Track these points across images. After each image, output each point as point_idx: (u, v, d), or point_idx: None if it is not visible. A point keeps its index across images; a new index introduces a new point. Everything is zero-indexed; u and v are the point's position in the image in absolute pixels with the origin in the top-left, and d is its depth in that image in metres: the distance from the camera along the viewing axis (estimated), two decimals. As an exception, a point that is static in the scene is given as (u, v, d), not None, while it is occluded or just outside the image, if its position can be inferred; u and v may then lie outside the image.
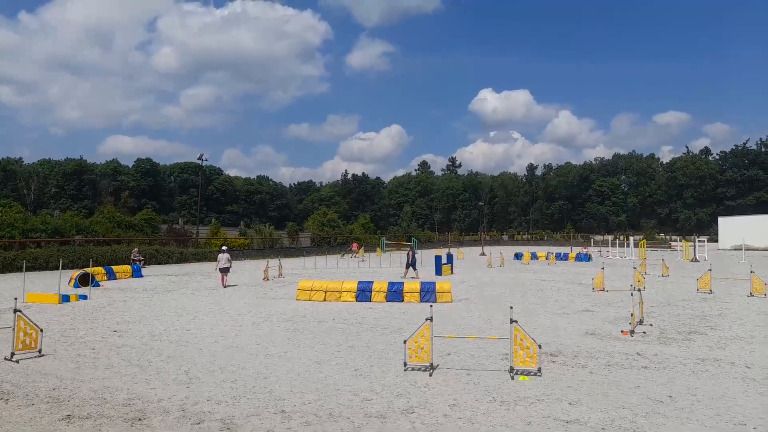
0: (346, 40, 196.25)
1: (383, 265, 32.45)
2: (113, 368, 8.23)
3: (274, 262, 26.53)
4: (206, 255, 38.19)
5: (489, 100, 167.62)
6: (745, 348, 9.65)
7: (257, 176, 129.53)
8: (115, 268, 24.24)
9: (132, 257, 29.55)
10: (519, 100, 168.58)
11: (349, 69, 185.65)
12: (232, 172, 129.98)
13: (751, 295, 17.01)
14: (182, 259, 36.14)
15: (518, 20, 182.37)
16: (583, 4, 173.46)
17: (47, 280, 21.24)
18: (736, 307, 14.69)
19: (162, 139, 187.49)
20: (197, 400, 6.64)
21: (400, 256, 41.04)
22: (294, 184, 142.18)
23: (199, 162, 50.25)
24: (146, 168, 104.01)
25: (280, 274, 24.89)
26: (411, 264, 24.29)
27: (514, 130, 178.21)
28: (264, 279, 23.02)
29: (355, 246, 47.06)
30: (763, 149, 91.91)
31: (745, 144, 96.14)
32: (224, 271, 20.50)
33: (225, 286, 20.12)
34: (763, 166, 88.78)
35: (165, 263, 34.25)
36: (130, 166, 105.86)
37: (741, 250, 45.02)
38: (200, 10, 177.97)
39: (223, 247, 23.39)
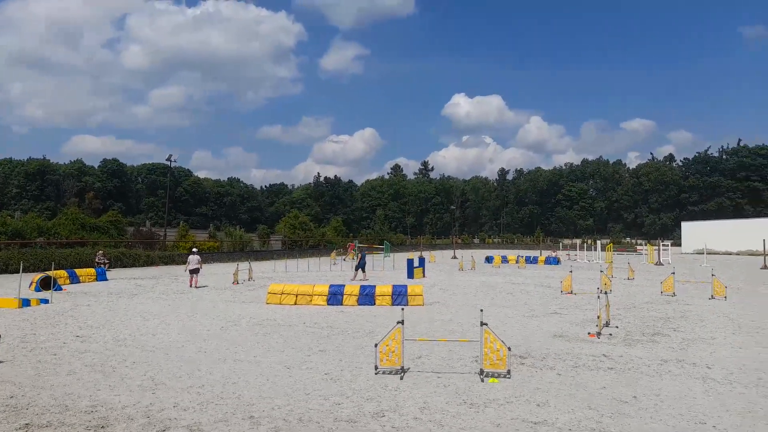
0: (321, 42, 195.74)
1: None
2: (75, 374, 7.98)
3: (244, 266, 26.19)
4: (174, 258, 37.46)
5: (462, 105, 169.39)
6: (706, 349, 9.95)
7: (228, 178, 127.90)
8: (78, 271, 23.57)
9: (96, 260, 28.81)
10: (491, 105, 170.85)
11: (323, 71, 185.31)
12: (201, 174, 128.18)
13: (712, 297, 17.56)
14: (149, 262, 35.36)
15: (491, 27, 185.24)
16: (553, 15, 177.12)
17: (7, 283, 20.51)
18: (697, 310, 15.13)
19: (130, 139, 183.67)
20: (163, 407, 6.49)
21: (373, 259, 41.03)
22: (265, 186, 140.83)
23: (168, 163, 49.26)
24: (113, 169, 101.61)
25: (251, 278, 24.59)
26: (360, 266, 24.97)
27: (486, 135, 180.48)
28: (234, 282, 22.69)
29: (352, 247, 47.20)
30: (723, 157, 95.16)
31: (706, 151, 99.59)
32: (194, 272, 21.25)
33: (196, 287, 20.66)
34: (724, 173, 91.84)
35: (131, 266, 33.47)
36: (96, 166, 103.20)
37: (703, 254, 46.50)
38: (172, 8, 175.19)
39: (194, 249, 24.00)
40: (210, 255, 41.95)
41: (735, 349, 9.91)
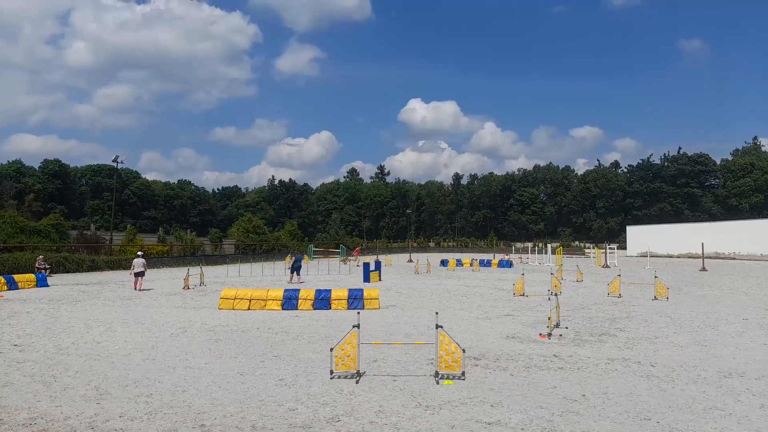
0: (276, 44, 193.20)
1: (310, 273, 32.05)
2: (13, 385, 7.54)
3: (195, 270, 25.51)
4: (121, 263, 36.08)
5: (418, 110, 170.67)
6: (650, 348, 10.37)
7: (178, 180, 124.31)
8: (16, 277, 22.42)
9: (36, 265, 27.43)
10: (447, 111, 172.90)
11: (279, 73, 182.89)
12: (150, 176, 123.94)
13: (655, 298, 18.34)
14: (94, 268, 33.95)
15: (446, 35, 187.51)
16: (506, 26, 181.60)
17: (-65, 290, 19.21)
18: (642, 310, 15.76)
19: (73, 139, 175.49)
20: (108, 417, 6.22)
21: (328, 263, 40.79)
22: (218, 189, 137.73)
23: (114, 164, 47.49)
24: (54, 170, 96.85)
25: (202, 283, 23.96)
26: (294, 269, 25.45)
27: (441, 140, 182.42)
28: (184, 288, 22.05)
29: (357, 252, 47.31)
30: (665, 164, 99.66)
31: (649, 158, 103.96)
32: (139, 275, 21.59)
33: (139, 290, 21.10)
34: (666, 179, 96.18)
35: (74, 272, 32.03)
36: (36, 167, 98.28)
37: (646, 256, 48.57)
38: (119, 5, 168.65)
39: (139, 253, 24.01)
40: (159, 260, 40.64)
41: (676, 348, 10.38)
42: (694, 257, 53.26)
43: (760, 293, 21.03)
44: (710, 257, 49.40)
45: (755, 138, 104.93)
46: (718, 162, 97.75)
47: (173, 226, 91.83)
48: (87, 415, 6.31)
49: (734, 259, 56.35)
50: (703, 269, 36.81)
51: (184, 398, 7.00)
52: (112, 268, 34.97)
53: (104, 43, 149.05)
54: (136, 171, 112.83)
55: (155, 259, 39.51)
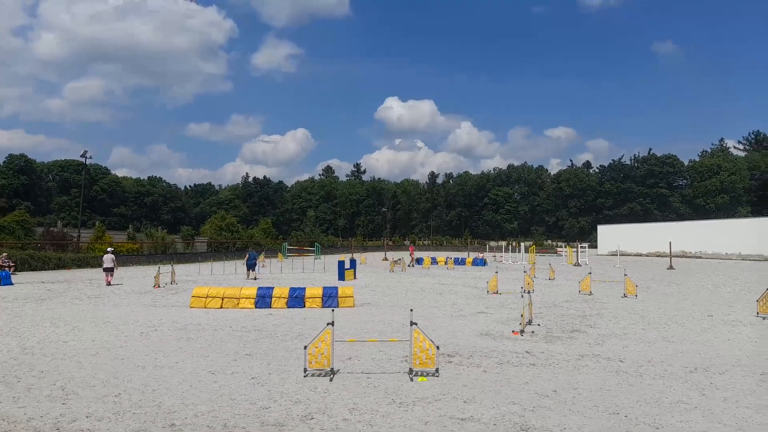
0: (252, 40, 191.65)
1: (284, 272, 31.81)
2: (-28, 387, 7.28)
3: (166, 269, 25.06)
4: (89, 260, 35.26)
5: (395, 109, 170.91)
6: (619, 344, 10.58)
7: (149, 177, 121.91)
8: (-22, 275, 21.65)
9: (0, 263, 26.57)
10: (424, 109, 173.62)
11: (255, 69, 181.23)
12: (121, 172, 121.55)
13: (625, 296, 18.74)
14: (61, 265, 33.07)
15: (424, 34, 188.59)
16: (483, 27, 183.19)
17: None
18: (612, 307, 16.08)
19: (41, 133, 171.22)
20: (75, 418, 6.05)
21: (303, 261, 40.54)
22: (191, 186, 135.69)
23: (83, 159, 46.32)
24: (20, 165, 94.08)
25: (173, 281, 23.54)
26: (249, 266, 26.11)
27: (418, 138, 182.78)
28: (155, 286, 21.64)
29: (412, 250, 46.84)
30: (635, 164, 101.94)
31: (620, 159, 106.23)
32: (108, 270, 22.33)
33: (109, 284, 21.90)
34: (635, 179, 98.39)
35: (40, 270, 31.15)
36: (2, 162, 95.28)
37: (616, 255, 49.60)
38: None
39: (109, 249, 24.74)
40: (129, 257, 39.83)
41: (645, 344, 10.61)
42: (662, 256, 54.57)
43: (725, 291, 21.68)
44: (677, 256, 50.69)
45: (722, 140, 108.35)
46: (686, 163, 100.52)
47: (144, 224, 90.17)
48: (52, 415, 6.13)
49: (700, 257, 57.96)
50: (671, 267, 37.77)
51: (153, 397, 6.86)
52: (79, 266, 34.12)
53: (75, 36, 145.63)
54: (105, 167, 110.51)
55: (125, 257, 38.70)
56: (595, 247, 70.05)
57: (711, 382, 7.78)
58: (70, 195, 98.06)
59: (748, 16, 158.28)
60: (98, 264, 34.05)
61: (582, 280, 20.59)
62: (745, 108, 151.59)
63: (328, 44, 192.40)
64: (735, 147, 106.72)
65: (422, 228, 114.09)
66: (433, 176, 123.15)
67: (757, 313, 14.21)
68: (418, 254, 52.86)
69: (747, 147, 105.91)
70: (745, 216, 76.86)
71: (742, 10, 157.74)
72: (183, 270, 31.36)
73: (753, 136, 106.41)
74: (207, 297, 15.59)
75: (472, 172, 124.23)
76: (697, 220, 73.85)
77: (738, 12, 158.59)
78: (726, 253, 57.49)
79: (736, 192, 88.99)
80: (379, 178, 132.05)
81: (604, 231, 73.95)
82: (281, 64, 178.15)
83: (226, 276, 27.91)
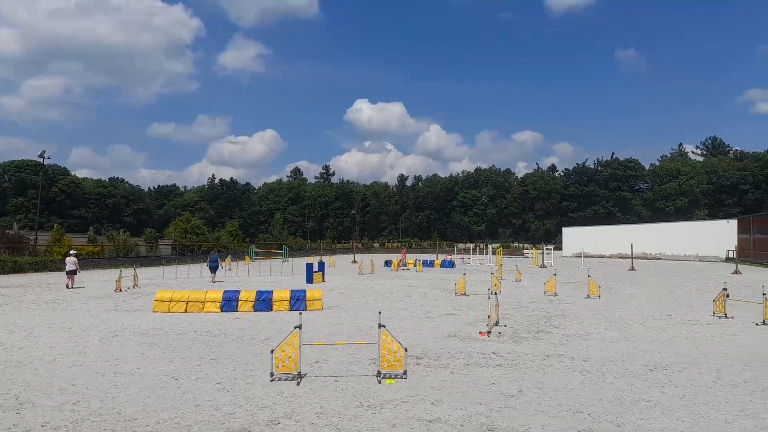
0: (220, 39, 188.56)
1: (252, 275, 31.39)
2: None
3: (128, 272, 24.41)
4: (47, 264, 34.04)
5: (365, 111, 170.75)
6: (583, 344, 10.80)
7: (109, 178, 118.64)
8: (-73, 279, 20.64)
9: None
10: (393, 112, 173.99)
11: (222, 69, 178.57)
12: (81, 173, 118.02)
13: (589, 297, 19.16)
14: (17, 269, 31.82)
15: (394, 36, 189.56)
16: (453, 31, 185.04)
17: None
18: (576, 308, 16.41)
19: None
20: (29, 428, 5.82)
21: (271, 264, 40.08)
22: (154, 187, 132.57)
23: (41, 159, 44.73)
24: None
25: (136, 285, 22.92)
26: (210, 268, 26.49)
27: (388, 141, 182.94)
28: (116, 290, 21.04)
29: (404, 253, 45.94)
30: (598, 168, 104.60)
31: (584, 163, 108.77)
32: (70, 273, 22.31)
33: (69, 288, 21.87)
34: (599, 183, 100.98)
35: (-5, 274, 29.90)
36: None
37: (581, 257, 50.70)
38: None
39: (71, 252, 24.69)
40: (89, 261, 38.63)
41: (607, 343, 10.86)
42: (624, 257, 56.08)
43: (683, 291, 22.41)
44: (638, 257, 52.19)
45: (680, 145, 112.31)
46: (647, 167, 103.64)
47: (105, 226, 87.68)
48: (5, 426, 5.87)
49: (660, 259, 59.82)
50: (632, 269, 38.83)
51: (113, 405, 6.65)
52: (36, 270, 32.91)
53: (34, 32, 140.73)
54: (65, 167, 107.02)
55: (85, 261, 37.51)
56: (560, 249, 71.56)
57: (670, 380, 8.02)
58: (27, 196, 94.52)
59: (705, 27, 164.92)
60: (56, 268, 33.05)
61: (547, 282, 20.96)
62: (703, 115, 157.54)
63: (298, 45, 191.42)
64: (693, 152, 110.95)
65: (391, 230, 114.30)
66: (402, 179, 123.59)
67: (714, 313, 14.73)
68: (387, 256, 52.92)
69: (704, 152, 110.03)
70: (703, 219, 79.71)
71: (701, 21, 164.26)
72: (146, 273, 30.60)
73: (710, 142, 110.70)
74: (171, 301, 15.23)
75: (441, 174, 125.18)
76: (657, 222, 76.19)
77: (696, 23, 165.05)
78: (684, 255, 59.51)
79: (694, 195, 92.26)
80: (349, 180, 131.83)
81: (568, 233, 75.61)
82: (249, 64, 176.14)
83: (192, 279, 27.35)
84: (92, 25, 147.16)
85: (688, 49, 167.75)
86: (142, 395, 7.07)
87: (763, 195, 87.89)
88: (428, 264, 41.97)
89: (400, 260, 40.67)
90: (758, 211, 76.06)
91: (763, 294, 13.63)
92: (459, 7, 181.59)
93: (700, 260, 56.37)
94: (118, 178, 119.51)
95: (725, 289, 14.77)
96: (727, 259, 53.94)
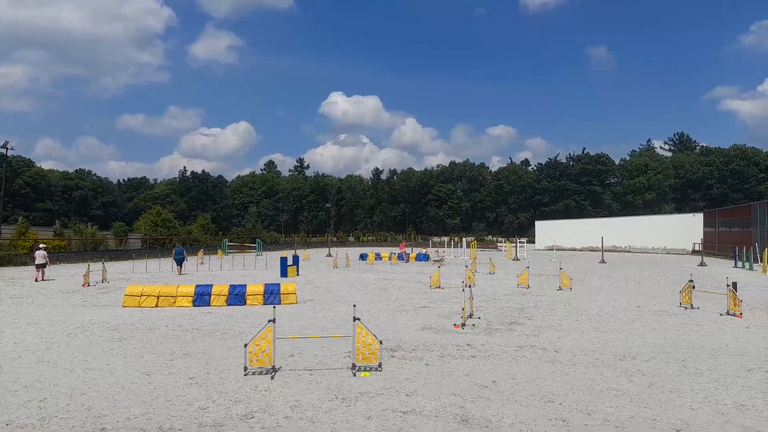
0: (191, 29, 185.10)
1: (225, 269, 31.02)
2: None
3: (96, 266, 23.85)
4: (11, 258, 33.02)
5: (339, 104, 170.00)
6: (554, 335, 10.99)
7: (76, 170, 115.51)
8: None
9: None
10: (369, 105, 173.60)
11: (194, 60, 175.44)
12: (47, 165, 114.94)
13: (560, 289, 19.49)
14: (-21, 264, 30.79)
15: (370, 30, 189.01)
16: (426, 26, 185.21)
17: None
18: (548, 300, 16.68)
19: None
20: (-9, 427, 5.64)
21: (244, 258, 39.67)
22: (124, 180, 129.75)
23: (4, 151, 43.31)
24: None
25: (104, 279, 22.42)
26: (176, 261, 26.89)
27: (363, 134, 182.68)
28: (84, 285, 20.54)
29: (403, 246, 44.95)
30: (570, 163, 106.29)
31: (556, 157, 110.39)
32: (40, 266, 22.56)
33: (38, 281, 21.96)
34: (570, 177, 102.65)
35: (-44, 269, 28.88)
36: None
37: (553, 250, 51.54)
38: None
39: (41, 245, 25.15)
40: (56, 255, 37.57)
41: (578, 334, 11.07)
42: (594, 250, 57.17)
43: (651, 283, 22.98)
44: (609, 250, 53.29)
45: (649, 140, 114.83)
46: (617, 162, 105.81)
47: (72, 219, 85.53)
48: (-34, 425, 5.69)
49: (629, 252, 61.19)
50: (603, 261, 39.64)
51: (82, 401, 6.50)
52: (0, 264, 31.90)
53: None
54: (29, 159, 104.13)
55: (52, 255, 36.46)
56: (533, 242, 72.48)
57: (638, 369, 8.22)
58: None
59: (674, 27, 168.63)
60: (21, 262, 32.13)
61: (520, 274, 21.24)
62: (671, 111, 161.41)
63: (272, 36, 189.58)
64: (661, 147, 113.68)
65: (366, 224, 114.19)
66: (377, 172, 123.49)
67: (680, 304, 15.16)
68: (362, 250, 52.87)
69: (672, 148, 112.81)
70: (670, 213, 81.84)
71: (670, 21, 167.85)
72: (115, 268, 29.96)
73: (677, 138, 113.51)
74: (141, 295, 14.94)
75: (416, 168, 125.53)
76: (627, 216, 77.86)
77: (665, 24, 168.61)
78: (652, 248, 61.01)
79: (662, 189, 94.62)
80: (323, 174, 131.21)
81: (541, 226, 76.63)
82: (222, 55, 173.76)
83: (162, 274, 26.88)
84: (58, 13, 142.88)
85: (657, 48, 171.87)
86: (112, 391, 6.93)
87: (727, 190, 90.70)
88: (403, 257, 42.08)
89: (400, 253, 41.06)
90: (723, 205, 78.53)
91: (727, 285, 14.08)
92: (434, 1, 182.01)
93: (667, 253, 57.88)
94: (85, 170, 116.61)
95: (691, 281, 15.20)
96: (694, 252, 55.53)
